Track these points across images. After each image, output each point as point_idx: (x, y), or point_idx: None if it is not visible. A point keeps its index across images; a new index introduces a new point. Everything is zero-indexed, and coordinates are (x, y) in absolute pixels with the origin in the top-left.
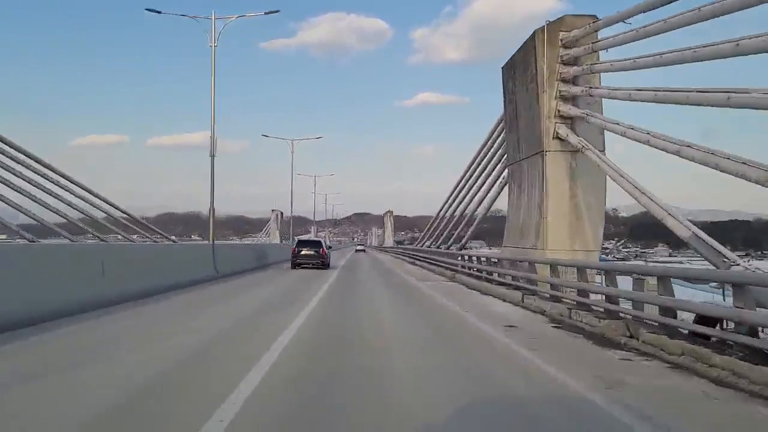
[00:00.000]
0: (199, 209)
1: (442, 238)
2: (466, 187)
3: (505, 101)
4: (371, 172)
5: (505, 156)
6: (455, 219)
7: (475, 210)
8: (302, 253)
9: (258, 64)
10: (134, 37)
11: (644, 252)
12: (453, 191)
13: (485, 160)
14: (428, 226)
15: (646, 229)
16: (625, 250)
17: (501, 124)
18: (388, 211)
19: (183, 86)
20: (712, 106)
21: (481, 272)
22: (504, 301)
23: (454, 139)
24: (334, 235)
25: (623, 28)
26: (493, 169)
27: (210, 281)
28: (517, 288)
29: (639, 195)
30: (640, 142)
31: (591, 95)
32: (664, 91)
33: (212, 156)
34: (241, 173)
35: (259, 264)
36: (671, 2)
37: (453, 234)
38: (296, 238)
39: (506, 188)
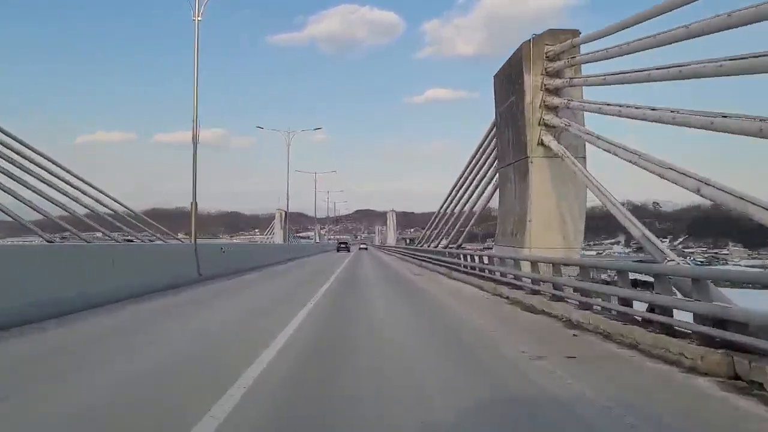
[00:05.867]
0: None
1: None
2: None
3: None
4: (377, 169)
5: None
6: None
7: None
8: (341, 245)
9: (265, 59)
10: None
11: (717, 253)
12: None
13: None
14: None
15: (709, 226)
16: (688, 250)
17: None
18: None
19: (185, 83)
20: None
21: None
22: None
23: (465, 135)
24: (335, 233)
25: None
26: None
27: None
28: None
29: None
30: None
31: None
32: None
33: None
34: (246, 169)
35: None
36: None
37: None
38: (337, 239)
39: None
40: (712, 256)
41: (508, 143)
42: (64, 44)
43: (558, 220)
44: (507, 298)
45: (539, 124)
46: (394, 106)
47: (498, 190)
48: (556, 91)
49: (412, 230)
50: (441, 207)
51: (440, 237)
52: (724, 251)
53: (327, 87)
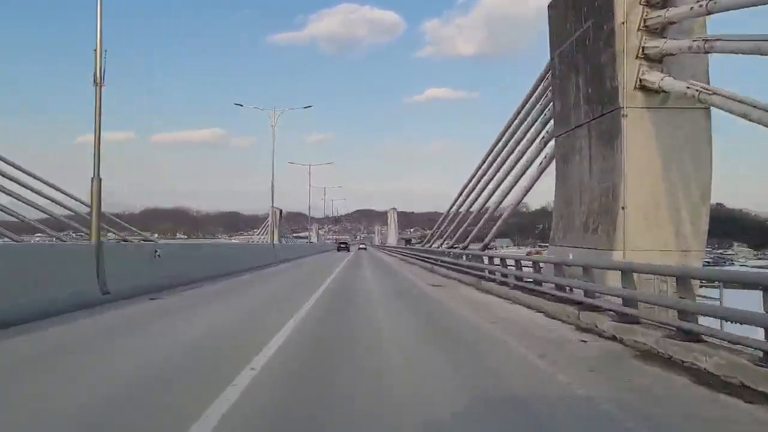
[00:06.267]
0: (187, 204)
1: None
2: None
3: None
4: (377, 169)
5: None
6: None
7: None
8: (341, 245)
9: (265, 59)
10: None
11: (723, 253)
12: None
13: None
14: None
15: (713, 225)
16: None
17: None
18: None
19: (185, 81)
20: None
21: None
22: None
23: (464, 134)
24: (335, 233)
25: None
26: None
27: None
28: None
29: None
30: None
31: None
32: None
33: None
34: (246, 169)
35: None
36: None
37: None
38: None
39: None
40: (718, 256)
41: (576, 95)
42: (64, 44)
43: (670, 208)
44: (618, 340)
45: (637, 57)
46: (394, 106)
47: (555, 167)
48: (664, 3)
49: (412, 230)
50: (455, 200)
51: (455, 236)
52: (729, 251)
53: (327, 87)
